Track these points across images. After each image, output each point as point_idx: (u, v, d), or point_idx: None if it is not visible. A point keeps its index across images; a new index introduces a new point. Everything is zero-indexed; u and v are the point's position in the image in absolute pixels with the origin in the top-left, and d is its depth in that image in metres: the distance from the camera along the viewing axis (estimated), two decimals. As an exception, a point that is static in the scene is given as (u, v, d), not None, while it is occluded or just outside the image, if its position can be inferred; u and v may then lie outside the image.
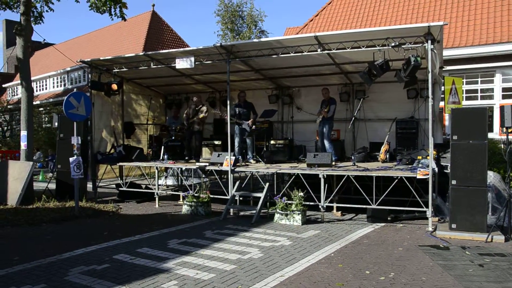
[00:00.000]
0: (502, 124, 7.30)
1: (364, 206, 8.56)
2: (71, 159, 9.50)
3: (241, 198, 10.13)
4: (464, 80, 13.80)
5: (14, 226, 8.50)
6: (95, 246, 6.88)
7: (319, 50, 8.92)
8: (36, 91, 32.25)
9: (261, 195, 9.12)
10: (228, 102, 9.93)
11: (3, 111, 30.37)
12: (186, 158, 11.49)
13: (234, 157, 9.98)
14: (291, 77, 11.99)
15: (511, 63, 13.53)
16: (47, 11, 12.74)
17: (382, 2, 18.01)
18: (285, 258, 6.11)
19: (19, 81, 12.47)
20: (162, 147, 11.92)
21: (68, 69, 29.56)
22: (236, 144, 11.06)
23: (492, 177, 8.24)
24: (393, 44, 8.10)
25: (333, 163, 9.66)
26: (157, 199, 10.83)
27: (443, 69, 10.64)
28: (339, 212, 9.31)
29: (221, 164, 9.94)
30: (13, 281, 5.21)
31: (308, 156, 9.63)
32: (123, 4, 12.18)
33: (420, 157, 9.00)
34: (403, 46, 8.12)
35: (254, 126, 10.97)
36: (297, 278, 5.24)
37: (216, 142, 13.02)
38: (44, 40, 13.96)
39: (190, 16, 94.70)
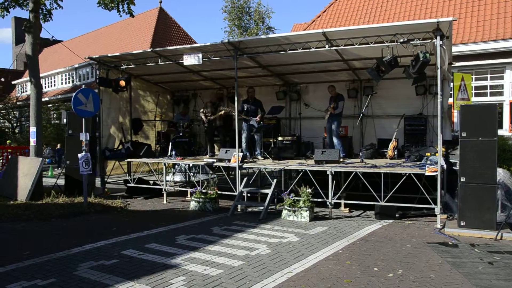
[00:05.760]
0: (512, 121, 7.23)
1: (372, 203, 8.53)
2: (79, 155, 9.56)
3: (248, 194, 10.14)
4: (474, 77, 13.68)
5: (24, 221, 8.58)
6: (104, 241, 6.92)
7: (327, 46, 8.88)
8: (45, 87, 32.51)
9: (269, 191, 9.13)
10: (236, 98, 9.93)
11: (12, 108, 30.63)
12: (211, 154, 11.60)
13: (241, 154, 9.99)
14: (298, 74, 11.96)
15: (521, 59, 13.40)
16: (56, 8, 12.78)
17: (391, -3, 17.88)
18: (293, 254, 6.11)
19: (28, 78, 12.54)
20: (170, 143, 11.96)
21: (76, 65, 29.73)
22: (244, 140, 11.06)
23: (501, 174, 8.17)
24: (401, 40, 8.05)
25: (341, 159, 9.63)
26: (165, 195, 10.88)
27: (452, 65, 10.56)
28: (347, 209, 9.29)
29: (229, 160, 9.96)
30: (24, 275, 5.26)
31: (316, 152, 9.62)
32: (131, 0, 12.20)
33: (428, 154, 8.94)
34: (411, 42, 8.06)
35: (262, 122, 10.96)
36: (305, 274, 5.25)
37: (220, 138, 13.04)
38: (53, 37, 14.01)
39: (197, 13, 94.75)
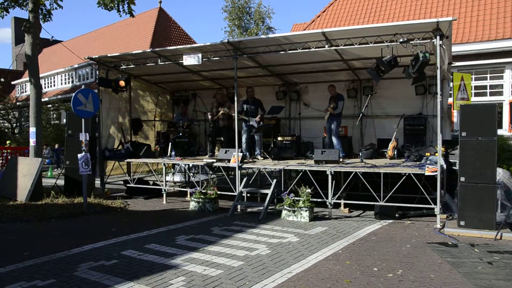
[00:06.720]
0: (511, 121, 7.23)
1: (372, 203, 8.53)
2: (79, 155, 9.55)
3: (248, 195, 10.13)
4: (473, 76, 13.67)
5: (24, 222, 8.58)
6: (104, 242, 6.92)
7: (326, 46, 8.88)
8: (45, 88, 32.50)
9: (269, 191, 9.13)
10: (236, 98, 9.92)
11: (12, 108, 30.62)
12: (210, 154, 11.59)
13: (241, 154, 9.99)
14: (298, 74, 11.96)
15: (520, 59, 13.39)
16: (55, 8, 12.76)
17: (390, -3, 17.88)
18: (292, 254, 6.11)
19: (27, 78, 12.53)
20: (170, 143, 11.96)
21: (76, 66, 29.73)
22: (244, 140, 11.06)
23: (501, 174, 8.17)
24: (401, 40, 8.05)
25: (341, 159, 9.63)
26: (164, 195, 10.87)
27: (452, 65, 10.56)
28: (347, 209, 9.29)
29: (229, 160, 9.96)
30: (23, 276, 5.26)
31: (315, 152, 9.61)
32: (131, 0, 12.19)
33: (428, 154, 8.95)
34: (411, 42, 8.06)
35: (261, 122, 10.95)
36: (304, 274, 5.24)
37: (223, 139, 13.03)
38: (52, 37, 13.98)
39: (197, 13, 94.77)
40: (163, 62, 10.76)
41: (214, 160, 10.36)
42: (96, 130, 11.74)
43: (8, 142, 23.74)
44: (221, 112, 11.46)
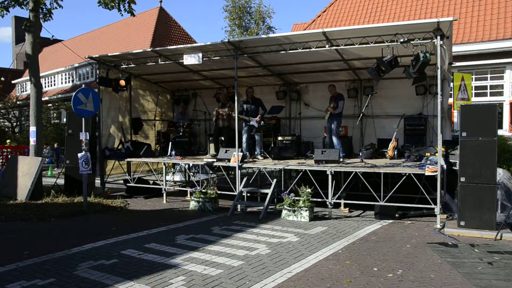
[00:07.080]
0: (512, 121, 7.23)
1: (372, 203, 8.53)
2: (79, 154, 9.56)
3: (248, 194, 10.13)
4: (474, 77, 13.68)
5: (24, 221, 8.58)
6: (104, 241, 6.92)
7: (327, 46, 8.87)
8: (45, 87, 32.50)
9: (269, 191, 9.13)
10: (236, 98, 9.92)
11: (12, 107, 30.61)
12: (215, 153, 11.56)
13: (241, 153, 9.99)
14: (299, 73, 11.96)
15: (521, 59, 13.39)
16: (56, 7, 12.75)
17: (391, -3, 17.87)
18: (292, 254, 6.11)
19: (28, 77, 12.54)
20: (170, 143, 11.96)
21: (76, 65, 29.71)
22: (244, 140, 11.06)
23: (501, 174, 8.16)
24: (401, 40, 8.04)
25: (341, 159, 9.63)
26: (164, 195, 10.87)
27: (452, 65, 10.56)
28: (347, 209, 9.29)
29: (229, 160, 9.96)
30: (23, 275, 5.26)
31: (315, 152, 9.61)
32: (132, -1, 12.18)
33: (428, 154, 8.94)
34: (412, 42, 8.05)
35: (262, 122, 10.94)
36: (304, 274, 5.24)
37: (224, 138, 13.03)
38: (53, 36, 13.99)
39: (198, 12, 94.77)
40: (164, 61, 10.76)
41: (214, 160, 10.36)
42: (96, 129, 11.75)
43: (8, 141, 23.73)
44: (216, 111, 11.49)
